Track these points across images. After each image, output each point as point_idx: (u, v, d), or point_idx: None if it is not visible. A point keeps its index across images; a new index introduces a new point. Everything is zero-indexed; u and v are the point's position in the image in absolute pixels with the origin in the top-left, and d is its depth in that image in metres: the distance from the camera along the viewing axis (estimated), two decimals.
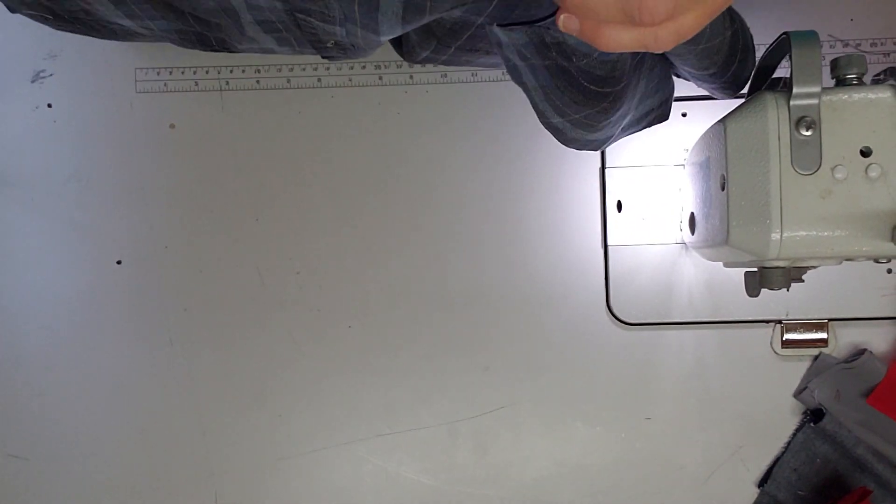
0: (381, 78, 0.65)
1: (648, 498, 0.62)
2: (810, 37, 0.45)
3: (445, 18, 0.47)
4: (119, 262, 0.64)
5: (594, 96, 0.46)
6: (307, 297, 0.64)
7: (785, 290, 0.48)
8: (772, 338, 0.61)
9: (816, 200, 0.44)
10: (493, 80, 0.64)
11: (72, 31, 0.49)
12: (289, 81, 0.64)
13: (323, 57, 0.50)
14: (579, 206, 0.63)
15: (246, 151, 0.65)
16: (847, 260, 0.47)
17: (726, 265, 0.56)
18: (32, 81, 0.65)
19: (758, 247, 0.45)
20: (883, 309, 0.60)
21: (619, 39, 0.35)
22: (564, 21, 0.35)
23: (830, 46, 0.62)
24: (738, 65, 0.52)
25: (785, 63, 0.51)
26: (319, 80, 0.64)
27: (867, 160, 0.44)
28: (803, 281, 0.48)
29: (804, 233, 0.44)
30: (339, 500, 0.63)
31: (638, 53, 0.47)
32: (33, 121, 0.65)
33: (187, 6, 0.45)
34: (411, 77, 0.64)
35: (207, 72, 0.64)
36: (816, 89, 0.44)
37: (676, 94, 0.63)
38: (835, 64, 0.46)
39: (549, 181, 0.64)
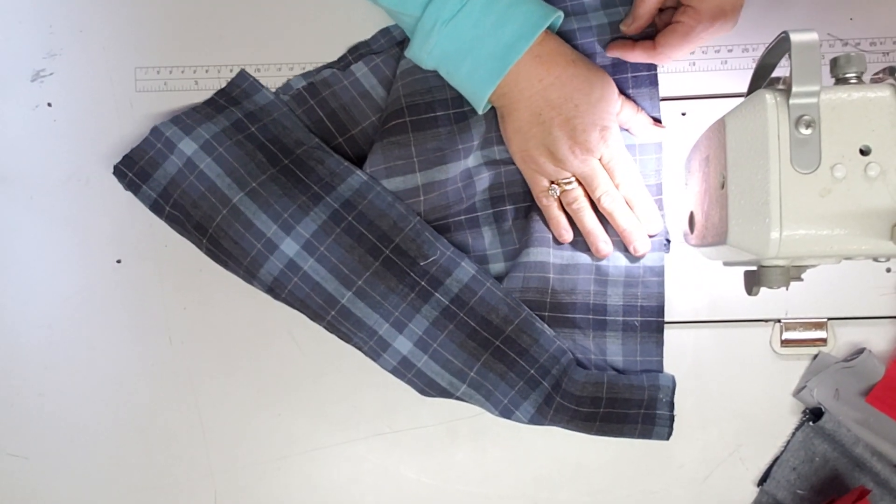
0: None
1: (647, 497, 0.62)
2: (810, 36, 0.45)
3: None
4: (119, 262, 0.64)
5: None
6: None
7: (784, 288, 0.48)
8: (771, 337, 0.61)
9: (816, 199, 0.44)
10: None
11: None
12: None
13: None
14: None
15: None
16: (846, 259, 0.47)
17: (726, 264, 0.57)
18: (32, 81, 0.65)
19: (757, 245, 0.45)
20: (882, 308, 0.61)
21: None
22: None
23: (830, 45, 0.62)
24: None
25: (784, 62, 0.51)
26: None
27: (866, 159, 0.44)
28: (802, 280, 0.48)
29: (803, 231, 0.44)
30: (339, 499, 0.63)
31: None
32: (33, 120, 0.65)
33: None
34: None
35: (207, 71, 0.64)
36: (816, 88, 0.44)
37: (676, 93, 0.63)
38: (834, 63, 0.47)
39: None
